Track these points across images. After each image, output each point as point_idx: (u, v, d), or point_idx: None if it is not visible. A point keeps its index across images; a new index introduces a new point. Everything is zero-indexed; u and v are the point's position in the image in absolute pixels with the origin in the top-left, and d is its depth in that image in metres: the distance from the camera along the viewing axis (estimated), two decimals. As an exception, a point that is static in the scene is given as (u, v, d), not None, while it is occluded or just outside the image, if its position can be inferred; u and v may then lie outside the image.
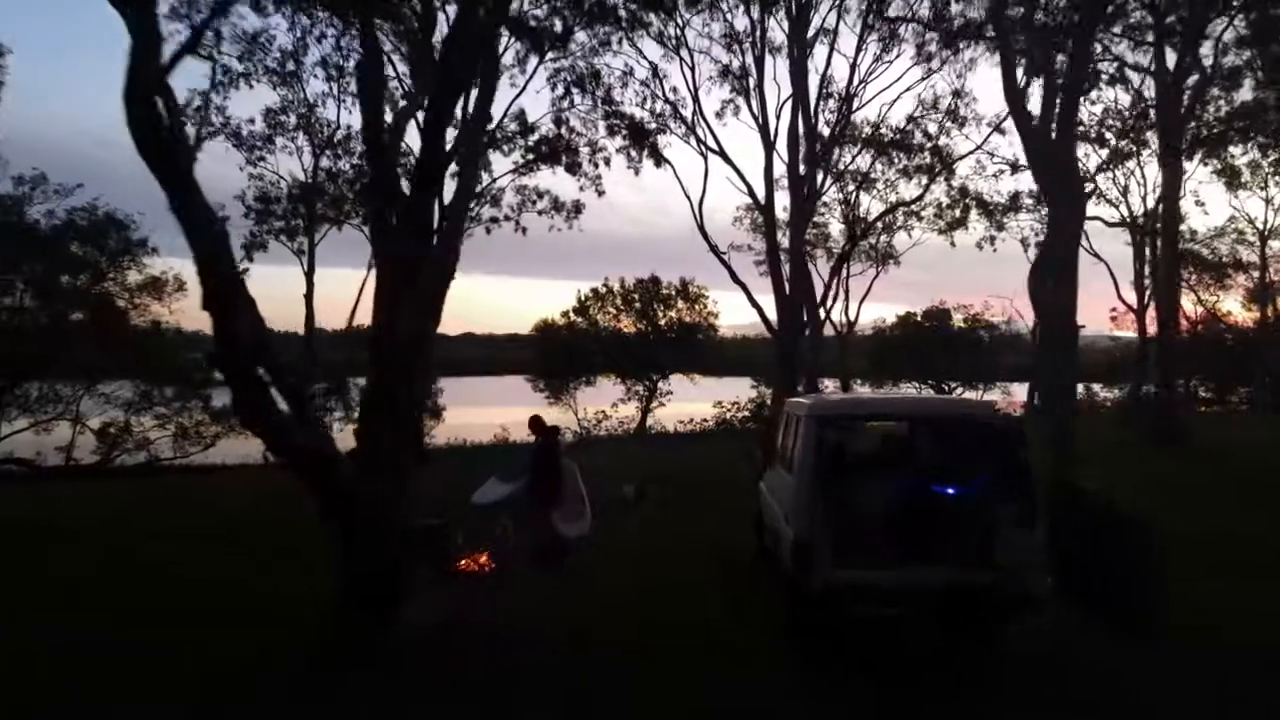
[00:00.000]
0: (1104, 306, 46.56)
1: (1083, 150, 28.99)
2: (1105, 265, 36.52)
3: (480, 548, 10.37)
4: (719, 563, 10.39)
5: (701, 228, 24.26)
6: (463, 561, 10.09)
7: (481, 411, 41.97)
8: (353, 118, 25.88)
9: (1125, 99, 27.91)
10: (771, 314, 23.15)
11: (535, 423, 11.37)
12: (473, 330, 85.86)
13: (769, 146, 23.54)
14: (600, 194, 24.75)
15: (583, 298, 35.44)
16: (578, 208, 25.18)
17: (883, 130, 26.93)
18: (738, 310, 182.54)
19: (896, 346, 38.99)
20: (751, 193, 24.01)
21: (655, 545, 11.20)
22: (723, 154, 24.04)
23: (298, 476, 6.54)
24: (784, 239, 24.19)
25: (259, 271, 39.45)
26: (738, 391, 36.21)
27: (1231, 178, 35.61)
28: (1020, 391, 43.80)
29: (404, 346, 6.36)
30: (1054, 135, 16.15)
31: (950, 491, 6.86)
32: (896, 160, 28.17)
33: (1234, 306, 42.42)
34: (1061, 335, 15.96)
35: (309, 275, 25.27)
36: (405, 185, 6.95)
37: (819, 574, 6.71)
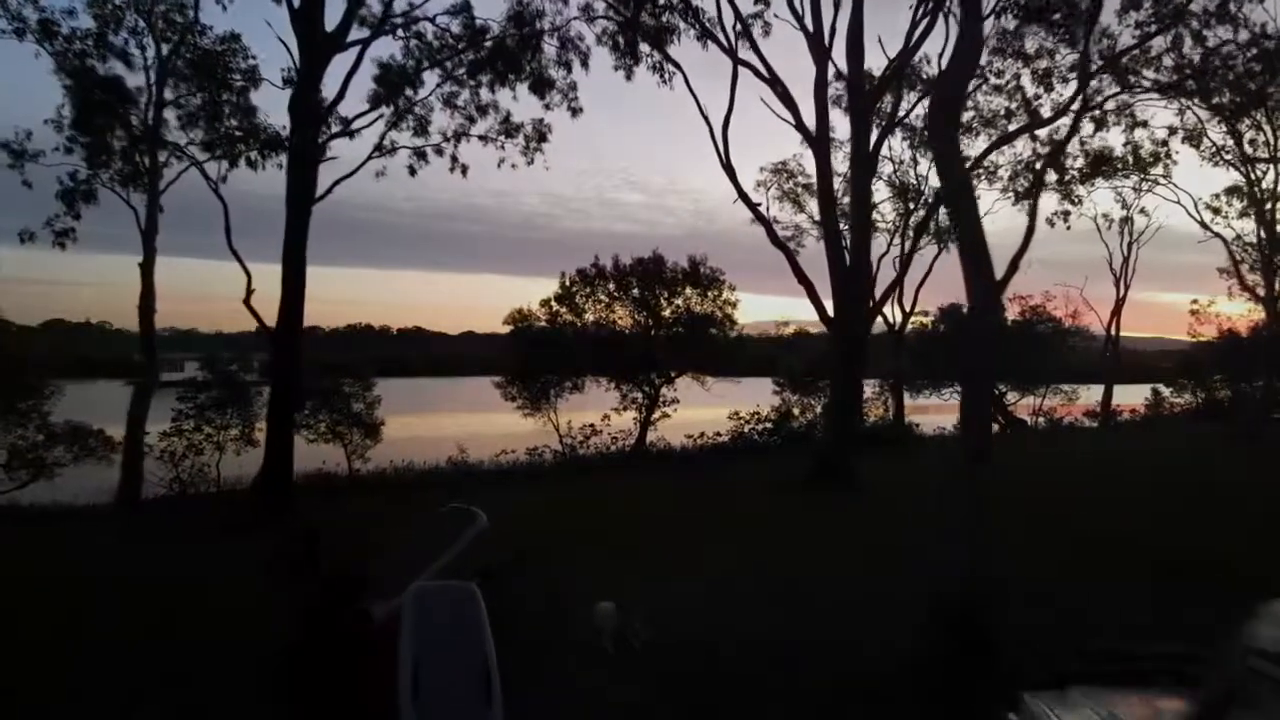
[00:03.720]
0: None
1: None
2: (1221, 239, 30.48)
3: None
4: None
5: (727, 163, 17.24)
6: None
7: (449, 420, 35.64)
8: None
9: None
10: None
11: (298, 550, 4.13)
12: (473, 329, 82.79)
13: (823, 54, 16.52)
14: (575, 113, 17.67)
15: (568, 281, 28.16)
16: (540, 134, 18.11)
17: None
18: (747, 308, 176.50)
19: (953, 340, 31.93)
20: (799, 119, 16.81)
21: None
22: (765, 70, 16.97)
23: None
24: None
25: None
26: (757, 398, 29.59)
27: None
28: (1090, 395, 37.73)
29: None
30: None
31: None
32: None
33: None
34: None
35: (147, 236, 17.70)
36: None
37: None
